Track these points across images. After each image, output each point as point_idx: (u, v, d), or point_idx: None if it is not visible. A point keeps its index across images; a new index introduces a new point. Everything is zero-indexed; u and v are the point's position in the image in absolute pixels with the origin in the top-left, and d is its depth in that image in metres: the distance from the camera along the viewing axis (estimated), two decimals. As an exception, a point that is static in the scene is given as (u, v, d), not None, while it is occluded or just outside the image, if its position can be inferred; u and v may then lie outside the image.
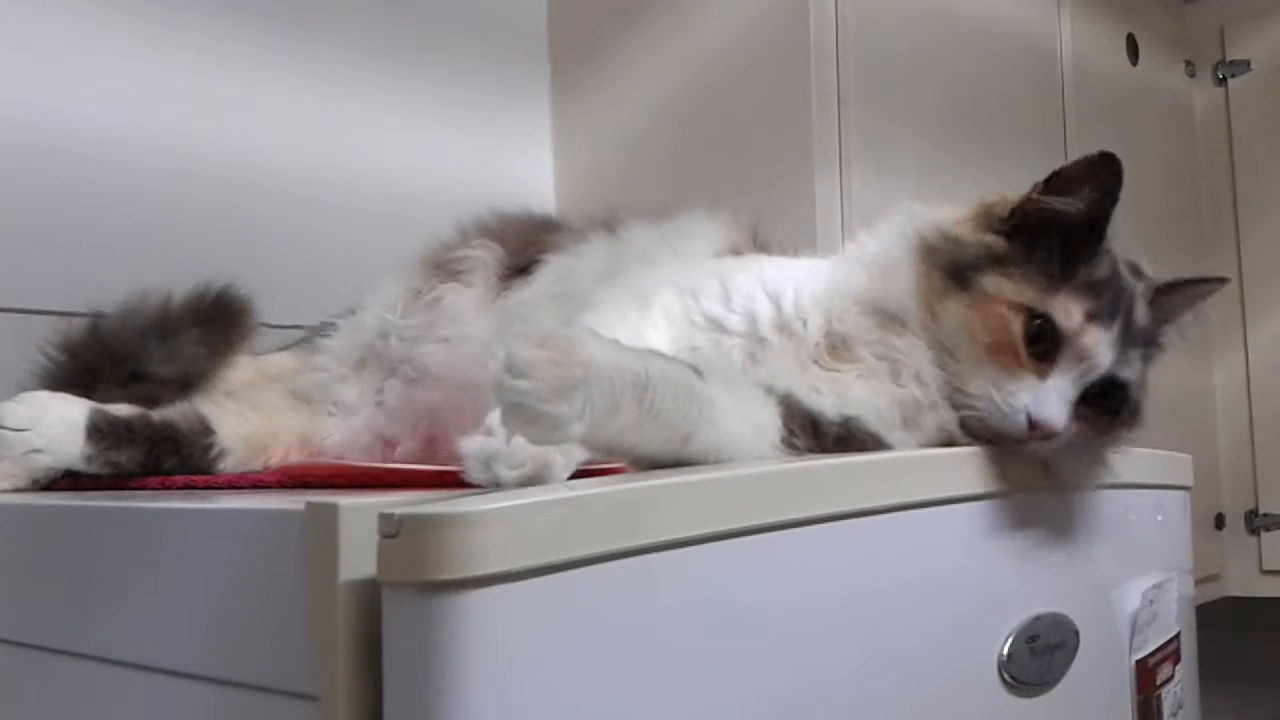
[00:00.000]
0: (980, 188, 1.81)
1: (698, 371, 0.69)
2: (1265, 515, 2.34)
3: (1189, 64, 2.39)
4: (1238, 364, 2.36)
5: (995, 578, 0.79)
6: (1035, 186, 0.83)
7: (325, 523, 0.54)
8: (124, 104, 1.43)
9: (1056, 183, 0.82)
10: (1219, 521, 2.39)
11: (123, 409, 0.97)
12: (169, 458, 0.96)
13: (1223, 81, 2.38)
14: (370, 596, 0.53)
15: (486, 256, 1.06)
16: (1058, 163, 2.13)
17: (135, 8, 1.45)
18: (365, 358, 1.08)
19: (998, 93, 1.90)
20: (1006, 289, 0.79)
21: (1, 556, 0.79)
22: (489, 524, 0.51)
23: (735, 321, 0.85)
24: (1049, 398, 0.77)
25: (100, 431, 0.93)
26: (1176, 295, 0.88)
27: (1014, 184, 1.93)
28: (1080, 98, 2.07)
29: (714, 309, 0.86)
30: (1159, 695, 0.96)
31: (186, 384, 1.06)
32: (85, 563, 0.71)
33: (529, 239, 1.06)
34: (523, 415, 0.58)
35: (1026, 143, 1.98)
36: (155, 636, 0.65)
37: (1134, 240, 2.13)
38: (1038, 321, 0.78)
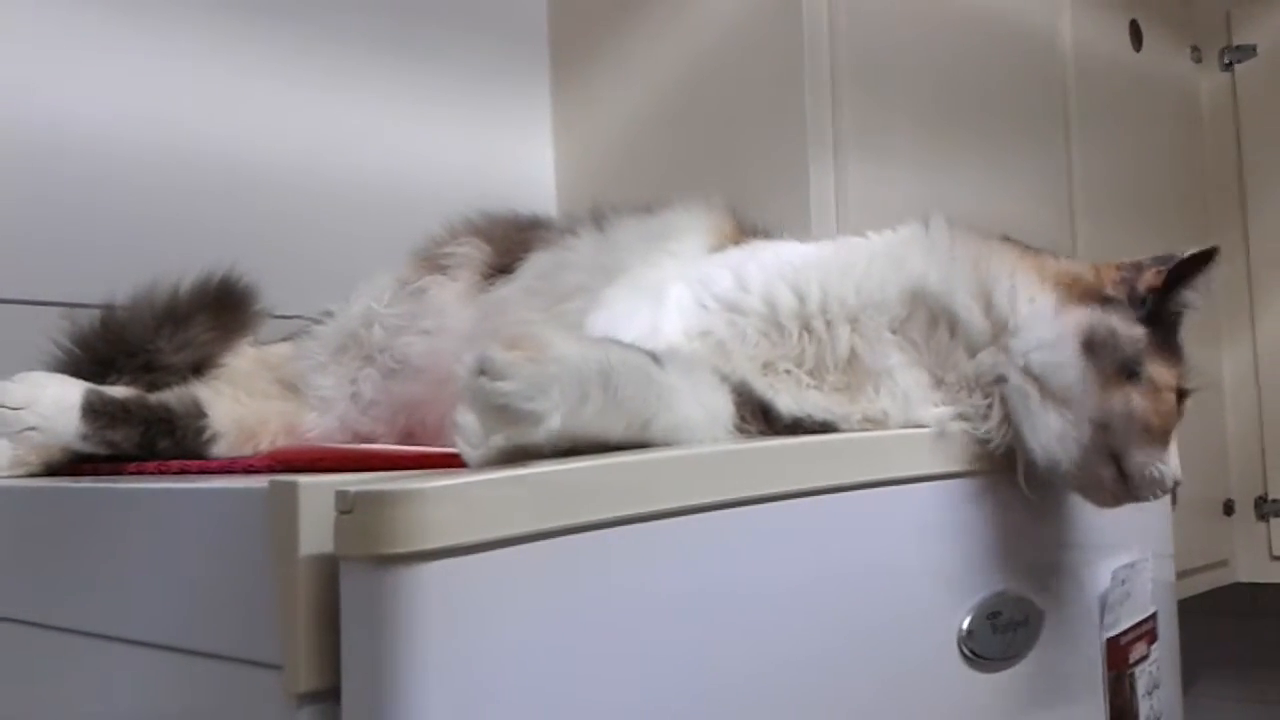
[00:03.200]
0: (979, 176, 1.82)
1: (656, 359, 0.72)
2: (1274, 501, 2.34)
3: (1195, 49, 2.39)
4: (1245, 350, 2.36)
5: (956, 555, 0.81)
6: (1158, 273, 0.88)
7: (286, 500, 0.56)
8: (129, 101, 1.46)
9: (1178, 273, 0.87)
10: (1228, 508, 2.39)
11: (119, 390, 1.00)
12: (163, 439, 0.99)
13: (1229, 67, 2.37)
14: (329, 570, 0.55)
15: (473, 254, 1.09)
16: (1059, 152, 2.12)
17: (139, 3, 1.48)
18: (346, 344, 1.10)
19: (997, 80, 1.90)
20: (1168, 376, 0.85)
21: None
22: (437, 500, 0.53)
23: (753, 303, 0.87)
24: (1177, 461, 0.84)
25: (95, 411, 0.96)
26: None
27: (1015, 174, 1.93)
28: (1083, 85, 2.07)
29: (728, 294, 0.88)
30: (1132, 673, 0.97)
31: (199, 370, 1.10)
32: (69, 543, 0.75)
33: (515, 240, 1.09)
34: (507, 416, 0.60)
35: (1027, 131, 1.98)
36: (133, 611, 0.68)
37: (1140, 229, 2.12)
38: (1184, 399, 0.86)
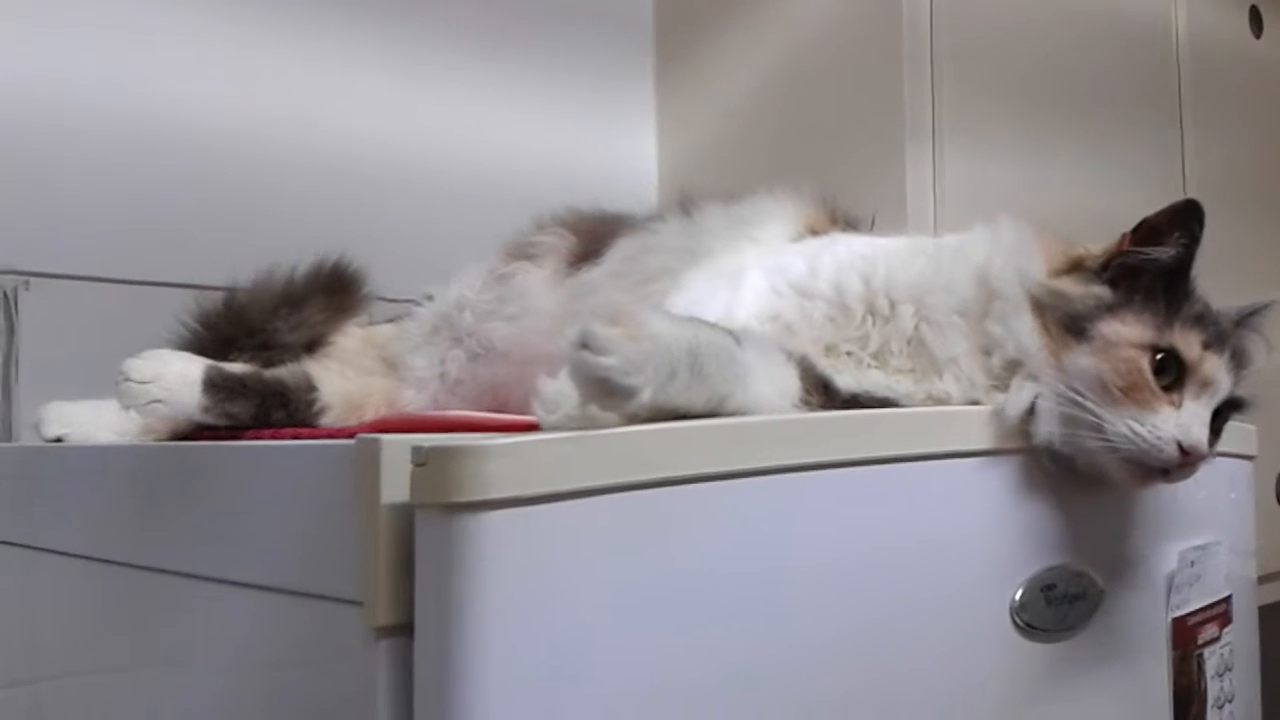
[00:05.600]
0: (1084, 166, 1.81)
1: (736, 339, 0.76)
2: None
3: (1320, 36, 2.33)
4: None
5: (1013, 528, 0.84)
6: (1124, 237, 0.87)
7: (370, 455, 0.63)
8: (257, 100, 1.56)
9: (1146, 232, 0.86)
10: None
11: (237, 366, 1.08)
12: (277, 411, 1.07)
13: (1355, 54, 2.30)
14: (406, 517, 0.62)
15: (559, 243, 1.15)
16: (1172, 143, 2.08)
17: (266, 5, 1.58)
18: (439, 327, 1.18)
19: (1105, 69, 1.88)
20: (1126, 333, 0.83)
21: (122, 493, 0.92)
22: (499, 456, 0.59)
23: (822, 288, 0.90)
24: (1192, 423, 0.81)
25: (215, 385, 1.03)
26: (1245, 322, 0.92)
27: (1124, 164, 1.91)
28: (1198, 74, 2.04)
29: (799, 279, 0.92)
30: (1200, 654, 0.98)
31: (310, 349, 1.18)
32: (186, 496, 0.83)
33: (600, 230, 1.14)
34: (605, 388, 0.65)
35: (1137, 120, 1.96)
36: (237, 556, 0.76)
37: (1261, 221, 2.07)
38: (1160, 356, 0.83)
